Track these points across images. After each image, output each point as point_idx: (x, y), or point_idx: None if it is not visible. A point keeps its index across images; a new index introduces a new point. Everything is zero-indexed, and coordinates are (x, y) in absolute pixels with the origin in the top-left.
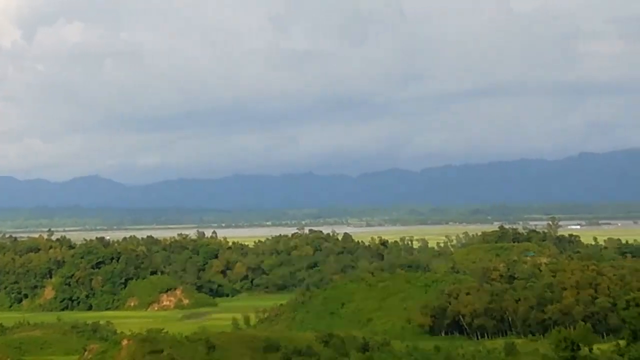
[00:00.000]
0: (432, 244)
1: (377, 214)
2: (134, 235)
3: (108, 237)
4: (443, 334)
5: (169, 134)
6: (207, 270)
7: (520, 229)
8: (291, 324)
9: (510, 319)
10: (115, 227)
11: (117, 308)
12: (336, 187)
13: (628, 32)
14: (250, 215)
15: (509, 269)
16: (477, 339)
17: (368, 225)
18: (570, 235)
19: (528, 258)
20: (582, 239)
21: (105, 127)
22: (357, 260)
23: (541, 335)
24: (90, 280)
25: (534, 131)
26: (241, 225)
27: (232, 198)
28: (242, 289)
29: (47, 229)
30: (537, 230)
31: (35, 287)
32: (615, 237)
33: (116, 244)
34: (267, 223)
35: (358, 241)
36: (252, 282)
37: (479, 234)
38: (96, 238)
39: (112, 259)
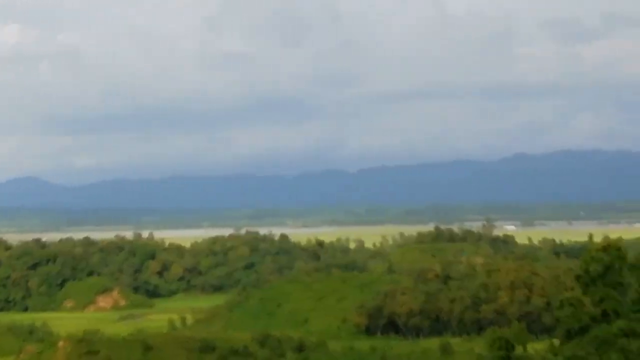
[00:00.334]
0: (368, 244)
1: (314, 215)
2: (71, 237)
3: (44, 239)
4: (379, 334)
5: (106, 135)
6: (143, 271)
7: (455, 229)
8: (227, 324)
9: (445, 319)
10: (51, 228)
11: (53, 309)
12: (273, 188)
13: (562, 34)
14: (187, 216)
15: (444, 269)
16: (413, 338)
17: (304, 226)
18: (505, 236)
19: (463, 258)
20: (517, 240)
21: (41, 129)
22: (293, 261)
23: (476, 335)
24: (27, 281)
25: (469, 132)
26: (178, 226)
27: (169, 199)
28: (178, 289)
29: None
30: (473, 230)
31: None
32: (550, 238)
33: (53, 245)
34: (204, 224)
35: (295, 242)
36: (188, 282)
37: (415, 234)
38: (32, 239)
39: (48, 260)
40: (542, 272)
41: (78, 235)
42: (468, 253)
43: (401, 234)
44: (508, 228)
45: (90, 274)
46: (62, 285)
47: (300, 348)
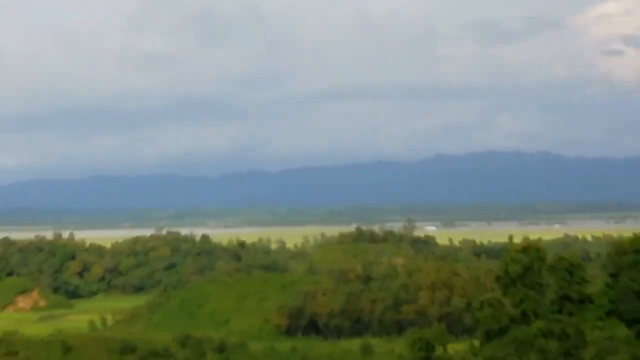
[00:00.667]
0: (289, 245)
1: (236, 215)
2: None
3: None
4: (300, 335)
5: (26, 135)
6: (64, 271)
7: (376, 230)
8: (148, 325)
9: (366, 320)
10: None
11: None
12: (194, 188)
13: (483, 36)
14: (108, 217)
15: (365, 269)
16: (334, 339)
17: (226, 226)
18: (426, 237)
19: (384, 259)
20: (438, 240)
21: None
22: (214, 262)
23: (397, 336)
24: None
25: (391, 133)
26: (99, 226)
27: (90, 199)
28: (99, 290)
29: None
30: (394, 231)
31: None
32: (470, 239)
33: None
34: (126, 224)
35: (216, 242)
36: (109, 283)
37: (336, 235)
38: None
39: None
40: (462, 272)
41: None
42: (389, 254)
43: (323, 235)
44: (429, 229)
45: (9, 274)
46: None
47: (221, 349)
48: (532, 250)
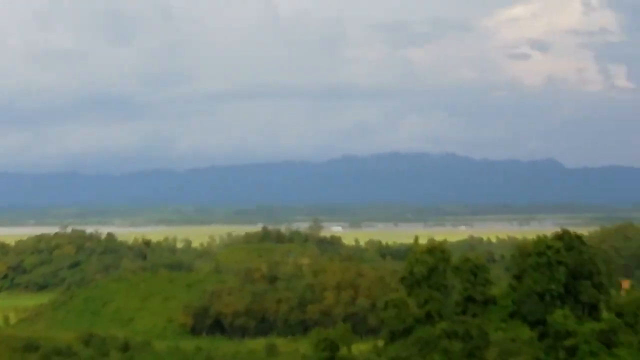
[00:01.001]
0: (195, 244)
1: (142, 214)
2: None
3: None
4: (205, 334)
5: None
6: None
7: (283, 230)
8: (52, 323)
9: (271, 319)
10: None
11: None
12: (100, 186)
13: (392, 38)
14: (12, 214)
15: (271, 269)
16: (239, 339)
17: (132, 225)
18: (332, 237)
19: (290, 259)
20: (344, 241)
21: None
22: (120, 260)
23: (302, 336)
24: None
25: (299, 133)
26: (2, 223)
27: None
28: (1, 288)
29: None
30: (300, 231)
31: None
32: (376, 239)
33: None
34: (30, 222)
35: (121, 241)
36: (12, 281)
37: (243, 234)
38: None
39: None
40: (368, 273)
41: None
42: (295, 254)
43: (229, 234)
44: (335, 229)
45: None
46: None
47: (125, 348)
48: (437, 251)
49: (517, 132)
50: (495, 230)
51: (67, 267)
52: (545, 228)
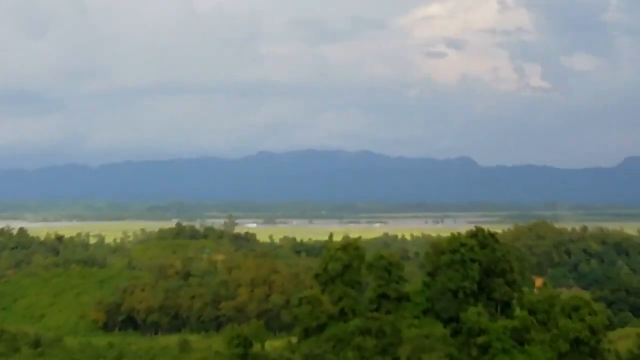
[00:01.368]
0: (108, 240)
1: (54, 209)
2: None
3: None
4: (117, 330)
5: None
6: None
7: (197, 226)
8: None
9: (185, 316)
10: None
11: None
12: (11, 181)
13: (309, 35)
14: None
15: (184, 265)
16: (152, 335)
17: (44, 220)
18: (247, 233)
19: (204, 255)
20: (259, 237)
21: None
22: (31, 255)
23: (215, 332)
24: None
25: (215, 129)
26: None
27: None
28: None
29: None
30: (214, 227)
31: None
32: (291, 236)
33: None
34: None
35: (33, 236)
36: None
37: (157, 230)
38: None
39: None
40: (282, 269)
41: None
42: (210, 250)
43: (142, 230)
44: (250, 226)
45: None
46: None
47: (36, 344)
48: (351, 248)
49: (433, 130)
50: (410, 228)
51: None
52: (459, 226)
